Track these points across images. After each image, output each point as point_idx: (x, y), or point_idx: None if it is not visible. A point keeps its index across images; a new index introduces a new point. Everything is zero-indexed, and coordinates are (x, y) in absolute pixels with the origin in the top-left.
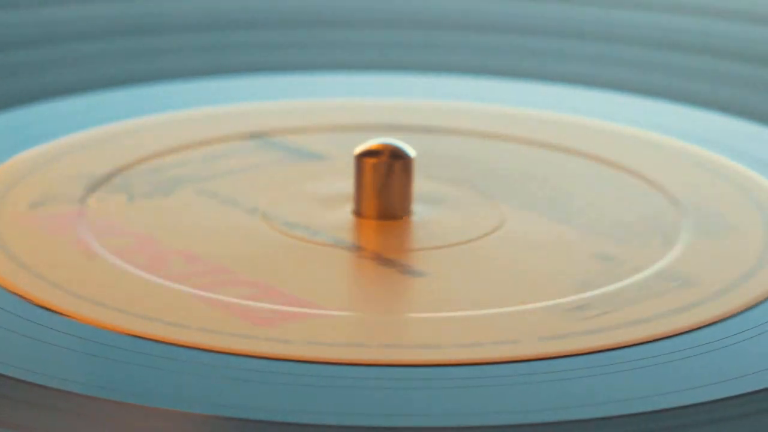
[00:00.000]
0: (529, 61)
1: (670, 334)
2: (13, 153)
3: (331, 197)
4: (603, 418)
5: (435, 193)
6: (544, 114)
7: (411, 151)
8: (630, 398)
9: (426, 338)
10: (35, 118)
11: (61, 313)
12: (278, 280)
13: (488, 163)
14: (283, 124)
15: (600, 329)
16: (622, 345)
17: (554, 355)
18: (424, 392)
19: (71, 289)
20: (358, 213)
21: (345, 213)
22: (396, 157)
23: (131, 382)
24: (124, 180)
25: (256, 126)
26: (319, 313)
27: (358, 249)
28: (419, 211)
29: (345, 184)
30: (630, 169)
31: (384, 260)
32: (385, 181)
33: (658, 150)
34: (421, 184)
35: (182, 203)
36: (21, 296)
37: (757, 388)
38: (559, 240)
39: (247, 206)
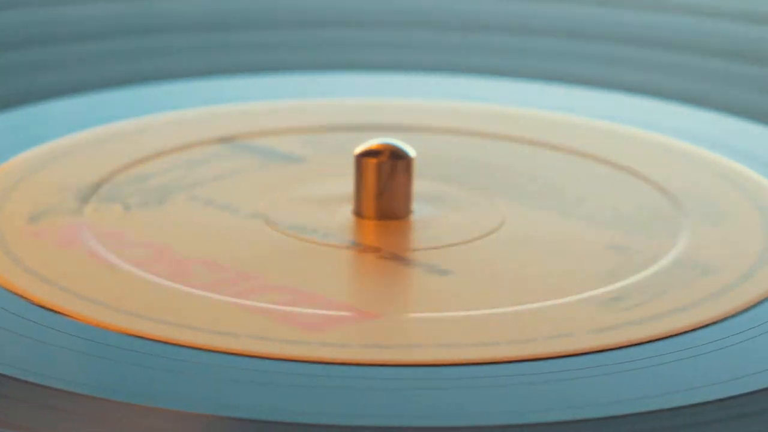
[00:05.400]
0: (529, 61)
1: (715, 320)
2: (8, 155)
3: (326, 198)
4: (677, 408)
5: (435, 193)
6: (543, 113)
7: (411, 151)
8: (700, 385)
9: (480, 336)
10: (30, 120)
11: (96, 325)
12: (306, 284)
13: (488, 162)
14: (257, 126)
15: (643, 320)
16: (675, 333)
17: (618, 346)
18: (495, 390)
19: (107, 302)
20: (358, 213)
21: (346, 213)
22: (396, 157)
23: (183, 391)
24: (112, 190)
25: (232, 129)
26: (361, 316)
27: (375, 249)
28: (420, 210)
29: (335, 185)
30: (629, 168)
31: (404, 260)
32: (385, 182)
33: (656, 148)
34: (421, 184)
35: (180, 211)
36: (59, 313)
37: None
38: (567, 234)
39: (247, 211)
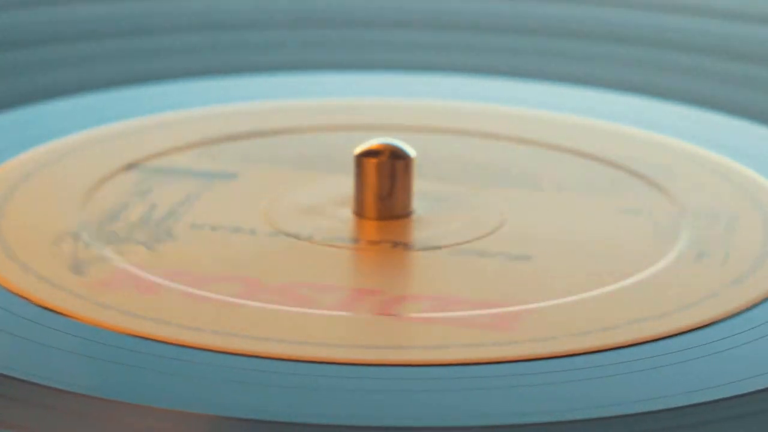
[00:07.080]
0: (529, 61)
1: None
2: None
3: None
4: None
5: (435, 193)
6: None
7: (411, 151)
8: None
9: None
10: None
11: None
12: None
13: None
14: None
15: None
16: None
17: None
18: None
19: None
20: (358, 213)
21: (346, 214)
22: (396, 157)
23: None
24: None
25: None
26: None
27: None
28: (420, 211)
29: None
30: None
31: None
32: (385, 182)
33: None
34: (421, 184)
35: (196, 241)
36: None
37: None
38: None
39: (248, 227)
